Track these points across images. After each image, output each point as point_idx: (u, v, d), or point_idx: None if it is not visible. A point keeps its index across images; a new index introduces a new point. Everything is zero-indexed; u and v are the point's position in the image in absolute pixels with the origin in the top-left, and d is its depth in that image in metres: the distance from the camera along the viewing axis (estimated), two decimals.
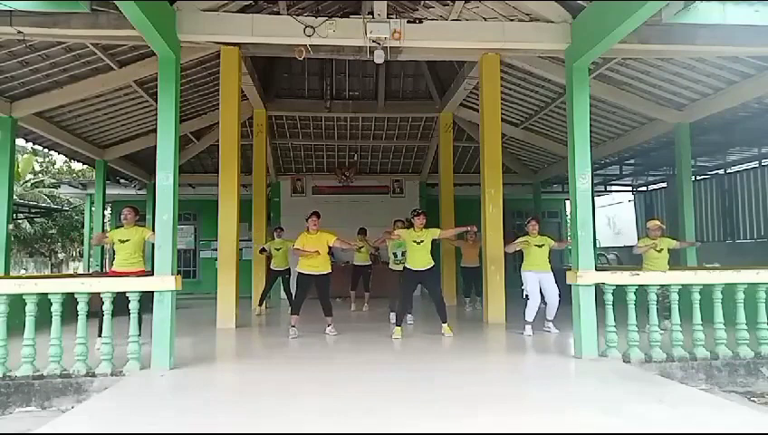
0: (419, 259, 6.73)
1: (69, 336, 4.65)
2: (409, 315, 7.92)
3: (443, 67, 11.01)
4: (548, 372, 4.89)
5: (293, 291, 7.42)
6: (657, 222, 7.17)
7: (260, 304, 9.62)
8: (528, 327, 6.77)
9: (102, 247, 13.04)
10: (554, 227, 16.28)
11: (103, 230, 12.24)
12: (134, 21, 4.71)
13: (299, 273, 6.94)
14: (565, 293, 5.64)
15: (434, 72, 11.62)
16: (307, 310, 7.02)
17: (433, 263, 6.85)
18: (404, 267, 7.02)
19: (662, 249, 6.94)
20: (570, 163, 5.55)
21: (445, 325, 6.75)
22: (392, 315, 7.99)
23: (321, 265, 6.87)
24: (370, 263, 10.10)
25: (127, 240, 6.25)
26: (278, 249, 9.43)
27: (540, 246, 7.04)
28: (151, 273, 5.26)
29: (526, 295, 7.00)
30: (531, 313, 6.87)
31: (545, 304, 7.05)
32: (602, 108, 9.75)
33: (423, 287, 7.12)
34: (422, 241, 6.72)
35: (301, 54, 6.64)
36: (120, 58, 7.96)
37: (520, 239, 7.11)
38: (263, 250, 9.87)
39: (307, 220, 6.95)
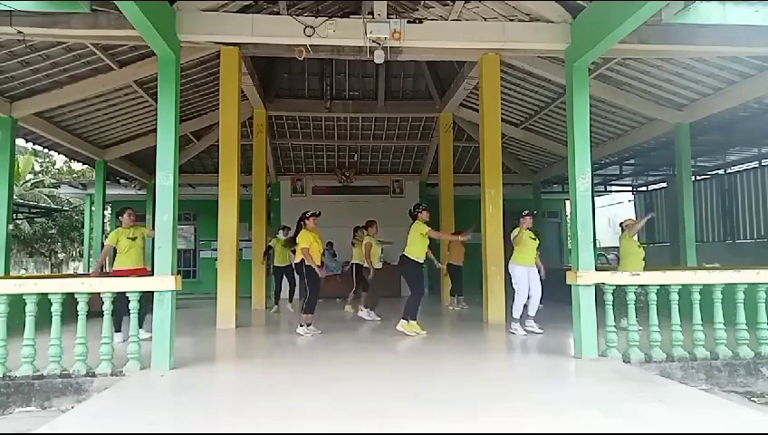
0: (424, 251, 6.89)
1: (69, 336, 4.65)
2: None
3: (443, 67, 11.01)
4: (548, 372, 4.88)
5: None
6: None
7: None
8: (517, 325, 6.81)
9: (102, 247, 13.04)
10: (554, 227, 16.28)
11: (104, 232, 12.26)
12: (134, 21, 4.71)
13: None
14: (564, 293, 5.64)
15: (434, 72, 11.62)
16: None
17: None
18: (407, 258, 6.88)
19: (642, 245, 7.35)
20: (570, 163, 5.54)
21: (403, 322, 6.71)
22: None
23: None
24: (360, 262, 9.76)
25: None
26: (284, 246, 9.66)
27: (533, 239, 7.12)
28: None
29: (514, 289, 7.00)
30: (518, 309, 6.90)
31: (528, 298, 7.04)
32: (602, 108, 9.75)
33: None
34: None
35: (301, 54, 6.65)
36: (120, 58, 7.97)
37: (517, 231, 7.11)
38: (268, 249, 10.09)
39: (309, 217, 6.91)
